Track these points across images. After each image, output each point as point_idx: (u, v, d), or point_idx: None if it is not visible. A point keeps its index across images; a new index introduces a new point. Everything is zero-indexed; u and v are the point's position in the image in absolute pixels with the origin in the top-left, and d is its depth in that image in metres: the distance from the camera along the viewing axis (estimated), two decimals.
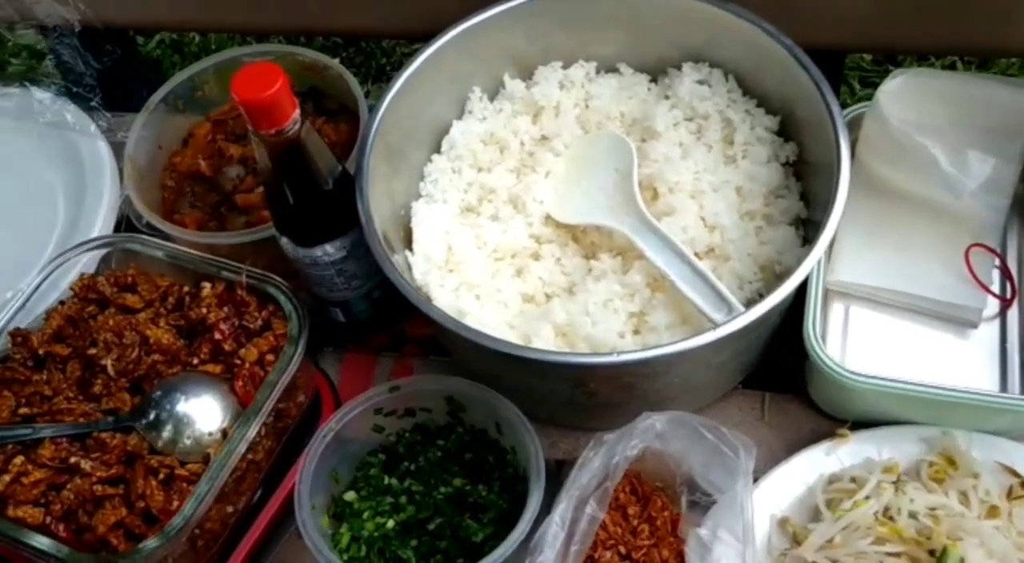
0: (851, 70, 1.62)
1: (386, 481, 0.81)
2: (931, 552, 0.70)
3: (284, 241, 0.83)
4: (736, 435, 0.70)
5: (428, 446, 0.83)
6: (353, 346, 0.95)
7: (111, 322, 0.83)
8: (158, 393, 0.78)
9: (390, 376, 0.93)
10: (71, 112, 1.04)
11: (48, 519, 0.75)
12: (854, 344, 0.83)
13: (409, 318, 0.95)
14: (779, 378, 0.88)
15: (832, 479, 0.78)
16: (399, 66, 0.90)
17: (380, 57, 1.86)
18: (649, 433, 0.71)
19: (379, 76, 1.83)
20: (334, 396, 0.90)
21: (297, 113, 0.73)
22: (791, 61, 0.82)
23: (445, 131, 0.92)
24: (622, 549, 0.75)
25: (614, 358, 0.70)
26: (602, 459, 0.71)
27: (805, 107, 0.83)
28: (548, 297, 0.85)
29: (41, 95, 1.04)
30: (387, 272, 0.77)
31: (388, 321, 0.94)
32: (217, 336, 0.81)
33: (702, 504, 0.74)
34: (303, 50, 1.01)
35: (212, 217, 0.98)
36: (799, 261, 0.80)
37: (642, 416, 0.71)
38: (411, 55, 0.87)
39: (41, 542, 0.73)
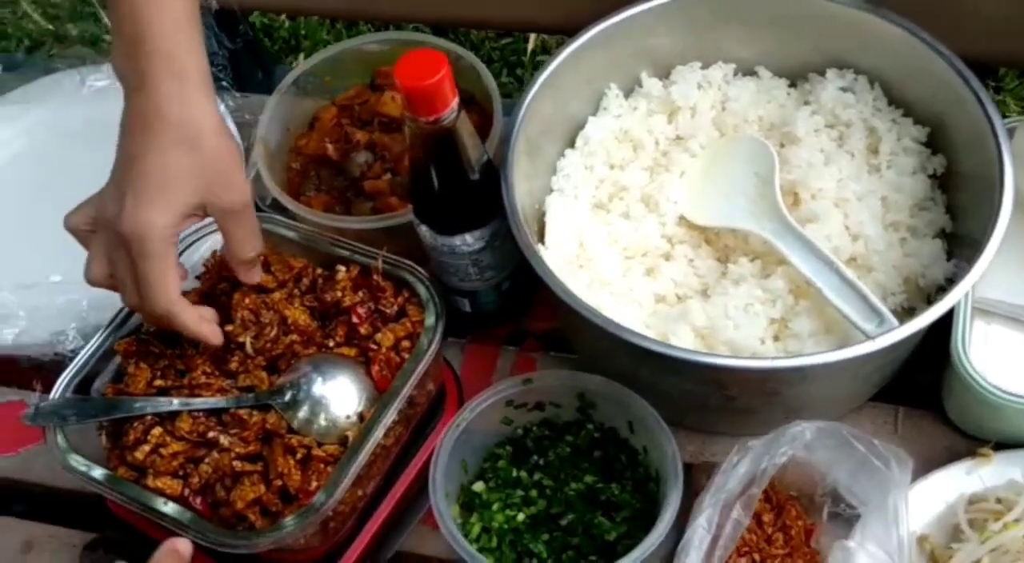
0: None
1: (515, 474, 0.81)
2: None
3: (423, 229, 0.83)
4: (888, 447, 0.69)
5: (557, 441, 0.82)
6: (475, 337, 0.95)
7: (247, 300, 0.84)
8: (296, 373, 0.79)
9: (512, 369, 0.92)
10: None
11: (186, 491, 0.76)
12: (994, 364, 0.81)
13: (532, 312, 0.95)
14: (911, 393, 0.86)
15: (974, 499, 0.76)
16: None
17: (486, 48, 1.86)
18: (798, 441, 0.70)
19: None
20: (458, 386, 0.90)
21: (456, 101, 0.73)
22: (947, 71, 0.81)
23: (580, 127, 0.92)
24: (756, 556, 0.74)
25: (762, 363, 0.69)
26: (748, 465, 0.70)
27: (959, 119, 0.81)
28: (679, 298, 0.85)
29: None
30: (533, 263, 0.77)
31: (511, 314, 0.94)
32: (354, 319, 0.81)
33: (844, 516, 0.73)
34: (435, 39, 1.01)
35: (338, 201, 0.98)
36: (944, 275, 0.79)
37: (792, 424, 0.70)
38: (556, 49, 0.87)
39: (184, 515, 0.73)
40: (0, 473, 0.92)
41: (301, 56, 1.84)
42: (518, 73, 1.83)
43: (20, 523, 0.89)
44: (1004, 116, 0.82)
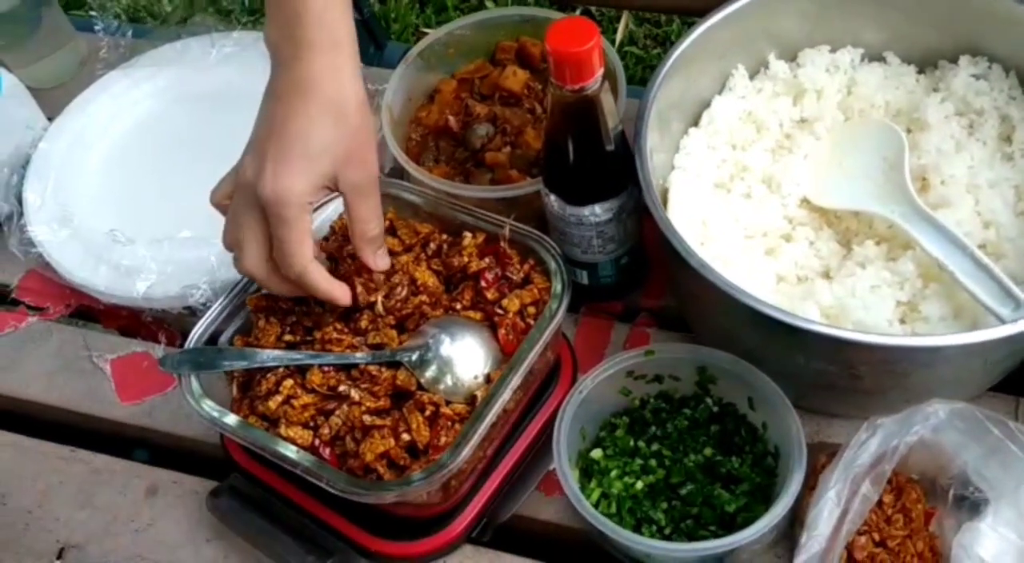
0: None
1: (632, 443, 0.82)
2: None
3: (552, 198, 0.85)
4: None
5: (675, 414, 0.83)
6: (588, 310, 0.96)
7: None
8: (426, 332, 0.81)
9: (625, 344, 0.93)
10: None
11: (317, 442, 0.78)
12: None
13: (645, 288, 0.96)
14: None
15: None
16: None
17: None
18: (930, 421, 0.70)
19: None
20: (573, 357, 0.91)
21: (602, 71, 0.74)
22: None
23: (704, 105, 0.93)
24: (876, 535, 0.74)
25: (901, 341, 0.70)
26: (879, 442, 0.70)
27: None
28: (800, 280, 0.85)
29: None
30: (668, 236, 0.77)
31: (627, 289, 0.95)
32: (482, 284, 0.82)
33: (971, 500, 0.72)
34: (560, 14, 1.02)
35: (457, 172, 1.00)
36: None
37: (925, 403, 0.70)
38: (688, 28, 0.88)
39: (316, 464, 0.75)
40: (126, 420, 0.95)
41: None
42: None
43: (145, 468, 0.92)
44: None
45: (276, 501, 0.85)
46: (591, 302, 0.96)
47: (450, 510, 0.83)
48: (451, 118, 1.02)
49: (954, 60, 0.90)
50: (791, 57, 0.94)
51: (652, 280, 0.96)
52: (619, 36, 1.90)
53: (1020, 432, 0.68)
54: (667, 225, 0.78)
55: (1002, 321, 0.72)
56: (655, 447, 0.81)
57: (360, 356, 0.80)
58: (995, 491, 0.70)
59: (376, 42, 1.25)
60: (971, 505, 0.72)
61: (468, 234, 0.86)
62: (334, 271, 0.86)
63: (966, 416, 0.70)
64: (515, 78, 1.02)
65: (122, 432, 0.96)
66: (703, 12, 0.89)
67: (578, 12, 1.87)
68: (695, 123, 0.93)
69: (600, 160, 0.81)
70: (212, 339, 0.86)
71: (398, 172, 0.99)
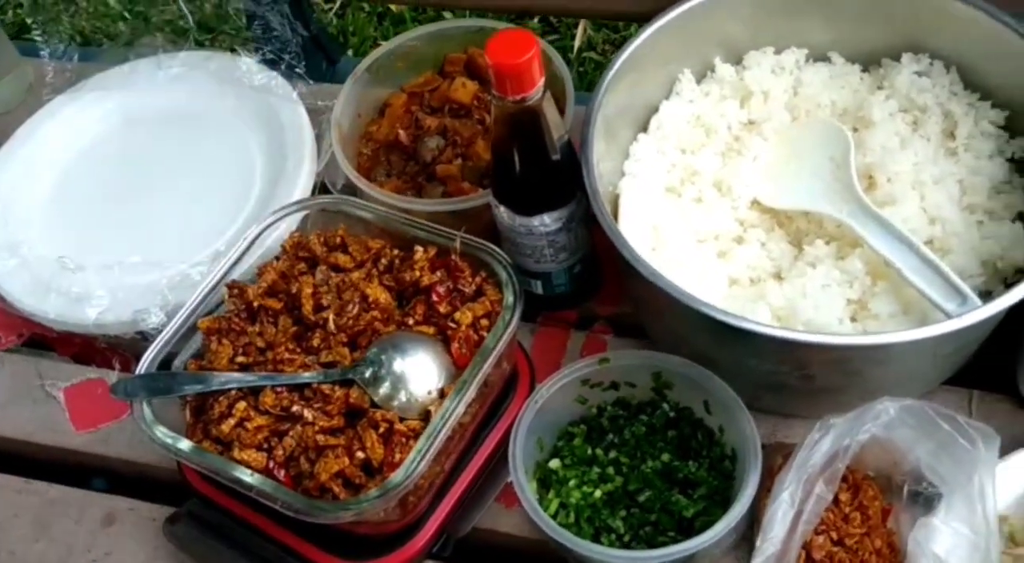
0: None
1: (590, 452, 0.82)
2: None
3: (501, 210, 0.84)
4: (974, 424, 0.69)
5: (632, 421, 0.83)
6: (544, 320, 0.96)
7: (319, 277, 0.85)
8: (376, 349, 0.80)
9: (581, 352, 0.93)
10: (274, 78, 1.07)
11: (271, 464, 0.77)
12: None
13: (600, 296, 0.96)
14: (984, 376, 0.86)
15: None
16: None
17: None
18: (881, 418, 0.70)
19: None
20: (530, 367, 0.91)
21: (542, 82, 0.74)
22: None
23: (653, 111, 0.93)
24: (834, 534, 0.74)
25: (851, 340, 0.70)
26: (831, 441, 0.71)
27: None
28: (752, 282, 0.85)
29: (246, 60, 1.07)
30: (617, 244, 0.77)
31: (582, 297, 0.95)
32: (434, 298, 0.82)
33: (925, 495, 0.73)
34: (507, 25, 1.03)
35: (409, 186, 1.00)
36: (1023, 257, 0.79)
37: (876, 401, 0.71)
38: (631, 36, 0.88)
39: (270, 487, 0.75)
40: (81, 449, 0.94)
41: (349, 52, 1.87)
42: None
43: (101, 497, 0.91)
44: None
45: (235, 525, 0.84)
46: (547, 312, 0.96)
47: (410, 526, 0.82)
48: (401, 132, 1.02)
49: (897, 58, 0.91)
50: (737, 60, 0.94)
51: (607, 287, 0.96)
52: (577, 42, 1.91)
53: (969, 426, 0.69)
54: (614, 233, 0.77)
55: (948, 316, 0.73)
56: (613, 455, 0.81)
57: (312, 375, 0.79)
58: (948, 485, 0.70)
59: (328, 57, 1.24)
60: (925, 500, 0.72)
61: (419, 248, 0.85)
62: (285, 290, 0.86)
63: (916, 412, 0.70)
64: (464, 90, 1.02)
65: (78, 461, 0.95)
66: (641, 18, 0.89)
67: (536, 20, 1.89)
68: (644, 129, 0.93)
69: (547, 170, 0.81)
70: (166, 364, 0.85)
71: (350, 189, 0.99)
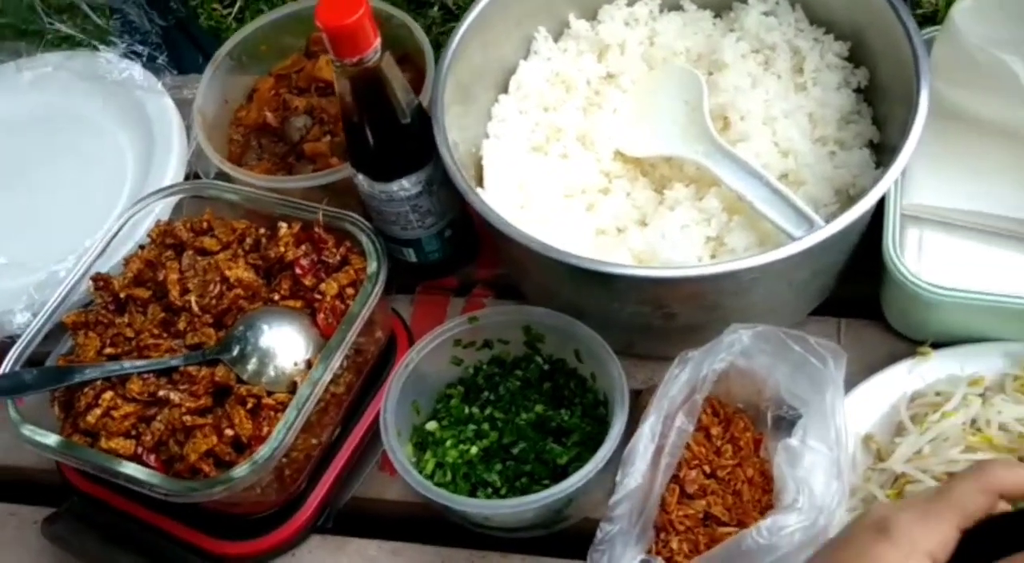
0: None
1: (467, 411, 0.82)
2: (1022, 459, 0.70)
3: (360, 178, 0.84)
4: (824, 344, 0.70)
5: (507, 377, 0.83)
6: (424, 288, 0.96)
7: (186, 262, 0.84)
8: (241, 327, 0.79)
9: None
10: (138, 71, 1.06)
11: (139, 449, 0.76)
12: (929, 268, 0.82)
13: (478, 260, 0.96)
14: (853, 305, 0.87)
15: (915, 396, 0.77)
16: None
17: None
18: (735, 346, 0.71)
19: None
20: (409, 336, 0.90)
21: (379, 42, 0.74)
22: None
23: (512, 72, 0.93)
24: (706, 468, 0.75)
25: (702, 270, 0.71)
26: (689, 374, 0.71)
27: (877, 31, 0.83)
28: (620, 231, 0.86)
29: (109, 55, 1.06)
30: (469, 201, 0.77)
31: (458, 262, 0.95)
32: (297, 271, 0.82)
33: (788, 419, 0.74)
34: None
35: (280, 167, 0.99)
36: (874, 183, 0.80)
37: (728, 329, 0.71)
38: None
39: (138, 471, 0.74)
40: None
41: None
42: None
43: None
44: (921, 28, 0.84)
45: (116, 519, 0.83)
46: (426, 280, 0.96)
47: (292, 501, 0.81)
48: (269, 114, 1.01)
49: (745, 1, 0.92)
50: (592, 15, 0.95)
51: (485, 251, 0.96)
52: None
53: (818, 345, 0.70)
54: (466, 189, 0.77)
55: (793, 240, 0.74)
56: (488, 411, 0.81)
57: (176, 359, 0.79)
58: (806, 406, 0.71)
59: (201, 48, 1.23)
60: (788, 424, 0.73)
61: (283, 225, 0.85)
62: (153, 278, 0.85)
63: (769, 337, 0.71)
64: (329, 67, 1.01)
65: None
66: None
67: (436, 8, 1.87)
68: (505, 90, 0.93)
69: (398, 134, 0.80)
70: (36, 363, 0.84)
71: (225, 176, 0.98)
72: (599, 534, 0.66)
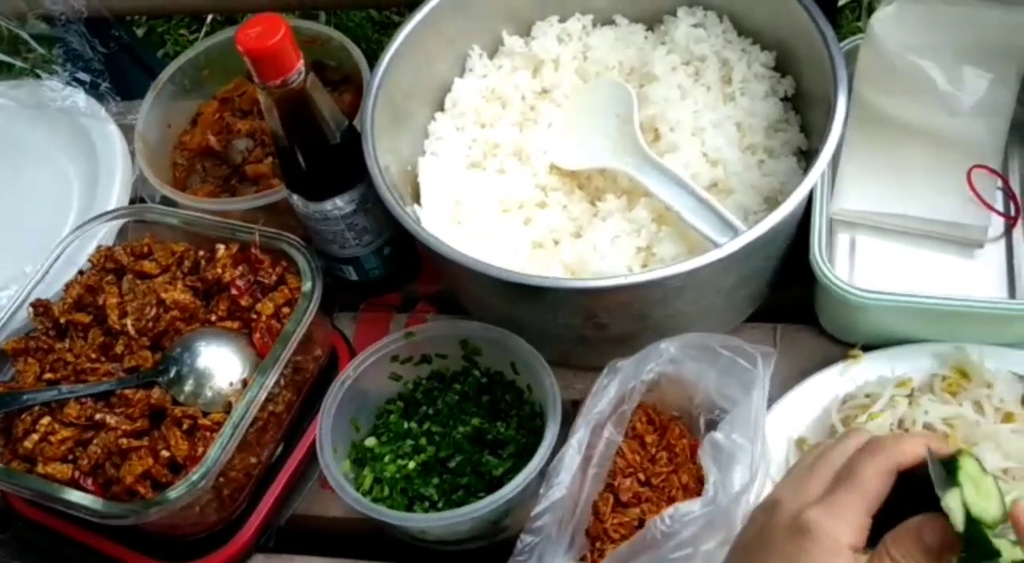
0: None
1: (405, 426, 0.82)
2: None
3: (295, 198, 0.85)
4: (755, 346, 0.71)
5: (445, 391, 0.84)
6: (366, 306, 0.96)
7: (126, 286, 0.85)
8: (178, 349, 0.80)
9: None
10: (81, 98, 1.07)
11: (76, 474, 0.76)
12: (862, 272, 0.84)
13: (420, 276, 0.97)
14: (790, 312, 0.88)
15: (846, 398, 0.78)
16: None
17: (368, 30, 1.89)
18: (664, 356, 0.72)
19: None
20: (351, 353, 0.91)
21: (302, 63, 0.75)
22: None
23: (447, 89, 0.94)
24: (641, 476, 0.76)
25: (623, 280, 0.72)
26: (617, 385, 0.72)
27: (801, 41, 0.84)
28: (556, 243, 0.86)
29: (52, 83, 1.07)
30: (397, 217, 0.78)
31: (400, 279, 0.96)
32: (233, 292, 0.82)
33: (718, 421, 0.74)
34: (304, 22, 1.03)
35: (223, 189, 1.00)
36: None
37: (659, 341, 0.72)
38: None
39: (73, 495, 0.74)
40: None
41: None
42: None
43: None
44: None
45: (60, 544, 0.83)
46: (369, 297, 0.96)
47: (234, 521, 0.82)
48: (211, 137, 1.02)
49: (675, 14, 0.93)
50: (525, 31, 0.96)
51: (427, 268, 0.97)
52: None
53: (748, 347, 0.70)
54: (395, 206, 0.78)
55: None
56: (426, 426, 0.82)
57: (112, 383, 0.79)
58: (735, 406, 0.71)
59: (149, 73, 1.23)
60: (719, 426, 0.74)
61: (221, 246, 0.86)
62: (93, 303, 0.85)
63: (697, 344, 0.72)
64: None
65: None
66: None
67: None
68: (441, 108, 0.94)
69: (328, 154, 0.81)
70: None
71: (170, 200, 0.98)
72: (519, 545, 0.67)
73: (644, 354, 0.73)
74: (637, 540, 0.63)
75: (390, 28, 1.86)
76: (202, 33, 2.03)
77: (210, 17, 2.01)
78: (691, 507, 0.62)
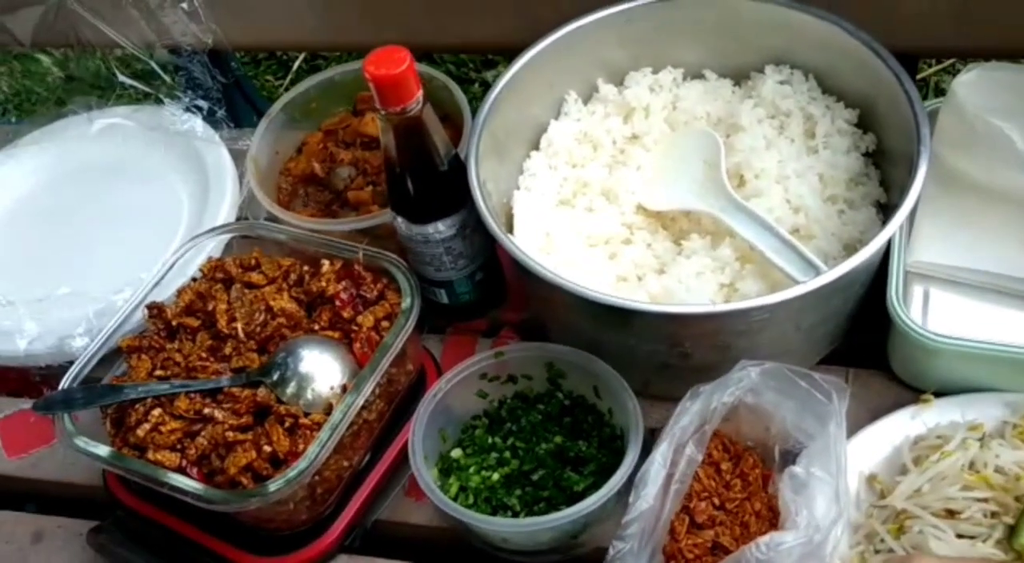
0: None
1: (490, 441, 0.87)
2: (1018, 498, 0.73)
3: (399, 220, 0.91)
4: (828, 379, 0.74)
5: (529, 410, 0.88)
6: (453, 330, 1.01)
7: (234, 294, 0.91)
8: (283, 353, 0.85)
9: None
10: (199, 124, 1.14)
11: (183, 462, 0.81)
12: (934, 323, 0.86)
13: (505, 305, 1.02)
14: (862, 357, 0.92)
15: (917, 439, 0.81)
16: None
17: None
18: (744, 382, 0.76)
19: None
20: (438, 372, 0.96)
21: (421, 93, 0.81)
22: (870, 56, 0.88)
23: (543, 130, 1.00)
24: (716, 500, 0.79)
25: (711, 308, 0.76)
26: (700, 406, 0.76)
27: (884, 99, 0.89)
28: (640, 278, 0.91)
29: (172, 108, 1.15)
30: (498, 239, 0.83)
31: (487, 306, 1.01)
32: (337, 304, 0.88)
33: (794, 453, 0.77)
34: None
35: (324, 213, 1.06)
36: None
37: (738, 366, 0.76)
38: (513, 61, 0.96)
39: (179, 480, 0.79)
40: (12, 474, 0.98)
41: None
42: None
43: (31, 517, 0.95)
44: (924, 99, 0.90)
45: (156, 531, 0.88)
46: (457, 321, 1.01)
47: (322, 520, 0.86)
48: (316, 164, 1.09)
49: (763, 71, 0.98)
50: (619, 81, 1.02)
51: (513, 297, 1.02)
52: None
53: (823, 381, 0.74)
54: (496, 231, 0.84)
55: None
56: (511, 441, 0.86)
57: (222, 380, 0.84)
58: (811, 440, 0.75)
59: (254, 107, 1.32)
60: (795, 457, 0.77)
61: (326, 262, 0.92)
62: (203, 308, 0.91)
63: (775, 374, 0.76)
64: (374, 124, 1.09)
65: (10, 488, 0.98)
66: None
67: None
68: (536, 147, 1.00)
69: (435, 179, 0.87)
70: (90, 383, 0.90)
71: (273, 220, 1.04)
72: (611, 551, 0.70)
73: (726, 378, 0.77)
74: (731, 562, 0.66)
75: (464, 83, 1.96)
76: (287, 80, 2.15)
77: (296, 65, 2.14)
78: (784, 537, 0.65)
